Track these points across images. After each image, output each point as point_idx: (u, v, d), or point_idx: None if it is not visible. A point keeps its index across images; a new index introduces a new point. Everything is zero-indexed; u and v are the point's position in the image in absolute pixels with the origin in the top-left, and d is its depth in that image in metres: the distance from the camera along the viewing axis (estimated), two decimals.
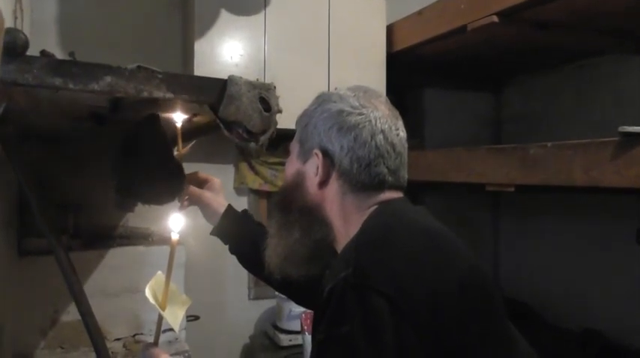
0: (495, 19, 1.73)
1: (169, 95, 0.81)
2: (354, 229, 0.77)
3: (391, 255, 0.65)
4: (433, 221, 0.74)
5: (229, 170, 2.29)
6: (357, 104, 0.79)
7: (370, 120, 0.78)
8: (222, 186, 1.13)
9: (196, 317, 1.86)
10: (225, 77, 0.86)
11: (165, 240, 1.77)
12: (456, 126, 2.64)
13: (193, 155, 1.37)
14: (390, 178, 0.78)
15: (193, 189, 1.07)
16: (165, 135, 0.90)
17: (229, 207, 1.10)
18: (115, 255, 1.58)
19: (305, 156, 0.83)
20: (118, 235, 1.65)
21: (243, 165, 2.28)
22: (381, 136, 0.77)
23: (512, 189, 1.71)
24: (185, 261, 1.69)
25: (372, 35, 2.25)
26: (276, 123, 0.93)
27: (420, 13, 2.11)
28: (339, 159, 0.78)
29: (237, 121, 0.87)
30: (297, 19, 2.12)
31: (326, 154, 0.79)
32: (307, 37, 2.13)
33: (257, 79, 0.93)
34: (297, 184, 0.84)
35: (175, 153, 1.05)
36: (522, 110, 2.62)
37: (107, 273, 1.58)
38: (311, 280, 0.86)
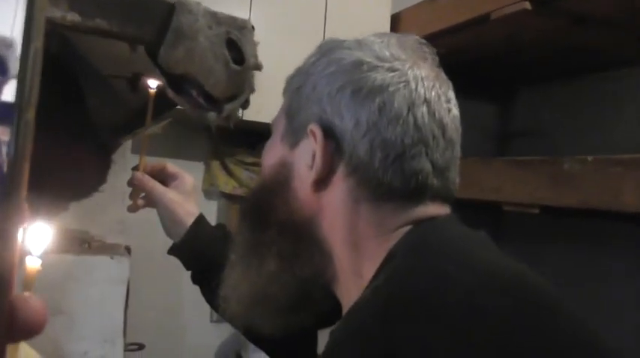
0: (528, 5, 1.45)
1: (73, 16, 0.48)
2: (369, 264, 0.46)
3: (451, 334, 0.33)
4: (511, 261, 0.42)
5: (198, 168, 1.96)
6: (387, 54, 0.48)
7: (407, 81, 0.47)
8: (195, 188, 0.79)
9: (140, 346, 1.51)
10: None
11: (107, 248, 1.43)
12: None
13: (152, 147, 1.04)
14: (434, 181, 0.47)
15: (154, 185, 0.74)
16: (81, 83, 0.57)
17: (200, 217, 0.75)
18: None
19: (295, 137, 0.51)
20: None
21: (215, 164, 1.95)
22: (424, 109, 0.46)
23: (537, 211, 1.42)
24: (129, 276, 1.34)
25: (374, 24, 1.97)
26: (252, 86, 0.61)
27: (432, 0, 1.82)
28: (350, 142, 0.46)
29: (188, 75, 0.54)
30: (290, 2, 1.84)
31: (330, 134, 0.47)
32: (300, 23, 1.86)
33: None
34: (278, 183, 0.51)
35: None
36: (533, 123, 2.34)
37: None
38: (293, 335, 0.54)
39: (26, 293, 0.23)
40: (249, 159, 1.98)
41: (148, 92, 0.66)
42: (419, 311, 0.35)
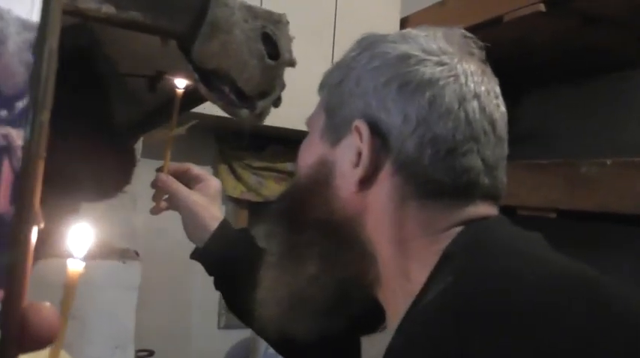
0: (542, 7, 1.44)
1: (108, 8, 0.47)
2: (417, 266, 0.44)
3: (525, 336, 0.32)
4: (573, 261, 0.40)
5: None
6: (435, 47, 0.46)
7: (457, 75, 0.45)
8: (221, 192, 0.78)
9: (150, 353, 1.48)
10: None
11: (117, 252, 1.40)
12: None
13: (160, 150, 1.03)
14: (485, 179, 0.45)
15: (179, 187, 0.72)
16: (108, 80, 0.55)
17: (225, 222, 0.73)
18: (43, 269, 1.20)
19: (336, 134, 0.49)
20: (51, 243, 1.27)
21: (223, 168, 1.94)
22: (475, 104, 0.45)
23: (554, 216, 1.40)
24: (140, 283, 1.31)
25: (384, 28, 1.94)
26: (283, 82, 0.59)
27: (443, 3, 1.81)
28: (398, 138, 0.45)
29: (221, 70, 0.52)
30: (299, 3, 1.84)
31: (376, 130, 0.46)
32: (309, 26, 1.85)
33: None
34: (318, 182, 0.50)
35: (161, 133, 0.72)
36: (543, 125, 2.33)
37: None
38: (326, 339, 0.52)
39: (46, 303, 0.22)
40: (258, 164, 1.97)
41: (174, 92, 0.65)
42: (491, 312, 0.33)
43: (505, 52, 1.86)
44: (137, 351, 1.39)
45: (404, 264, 0.45)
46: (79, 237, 0.36)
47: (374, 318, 0.51)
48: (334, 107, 0.50)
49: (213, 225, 0.72)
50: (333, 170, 0.49)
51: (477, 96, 0.45)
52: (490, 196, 0.46)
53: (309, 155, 0.52)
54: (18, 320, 0.20)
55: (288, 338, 0.51)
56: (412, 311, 0.39)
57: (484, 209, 0.45)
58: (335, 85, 0.50)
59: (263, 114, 0.58)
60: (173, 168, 0.73)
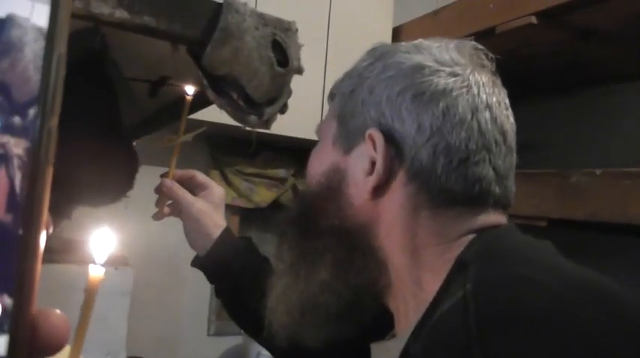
0: (534, 19, 1.46)
1: (121, 13, 0.47)
2: (429, 275, 0.44)
3: (548, 342, 0.32)
4: (588, 269, 0.41)
5: None
6: (447, 58, 0.47)
7: (469, 86, 0.46)
8: (224, 200, 0.77)
9: None
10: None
11: (109, 258, 1.38)
12: None
13: (152, 156, 1.02)
14: (496, 188, 0.46)
15: (184, 193, 0.71)
16: (115, 84, 0.55)
17: (227, 230, 0.73)
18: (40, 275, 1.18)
19: (349, 142, 0.50)
20: (47, 248, 1.25)
21: (215, 174, 1.93)
22: (487, 114, 0.46)
23: (545, 224, 1.42)
24: (132, 289, 1.30)
25: (376, 37, 1.97)
26: (290, 89, 0.60)
27: (436, 13, 1.83)
28: (412, 147, 0.45)
29: (231, 76, 0.53)
30: (293, 14, 1.84)
31: (390, 138, 0.46)
32: (302, 35, 1.84)
33: None
34: (330, 189, 0.50)
35: (166, 138, 0.72)
36: (533, 136, 2.36)
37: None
38: (335, 346, 0.53)
39: (56, 310, 0.21)
40: (249, 170, 1.96)
41: (183, 98, 0.65)
42: (512, 319, 0.33)
43: (497, 62, 1.89)
44: None
45: (416, 271, 0.45)
46: (100, 243, 0.36)
47: (383, 325, 0.52)
48: (347, 115, 0.50)
49: (216, 232, 0.71)
50: (345, 177, 0.49)
51: (488, 106, 0.46)
52: (501, 205, 0.47)
53: (320, 163, 0.52)
54: (28, 326, 0.20)
55: (298, 345, 0.51)
56: (427, 318, 0.40)
57: (495, 217, 0.46)
58: (347, 94, 0.51)
59: (270, 120, 0.59)
60: (178, 174, 0.73)
